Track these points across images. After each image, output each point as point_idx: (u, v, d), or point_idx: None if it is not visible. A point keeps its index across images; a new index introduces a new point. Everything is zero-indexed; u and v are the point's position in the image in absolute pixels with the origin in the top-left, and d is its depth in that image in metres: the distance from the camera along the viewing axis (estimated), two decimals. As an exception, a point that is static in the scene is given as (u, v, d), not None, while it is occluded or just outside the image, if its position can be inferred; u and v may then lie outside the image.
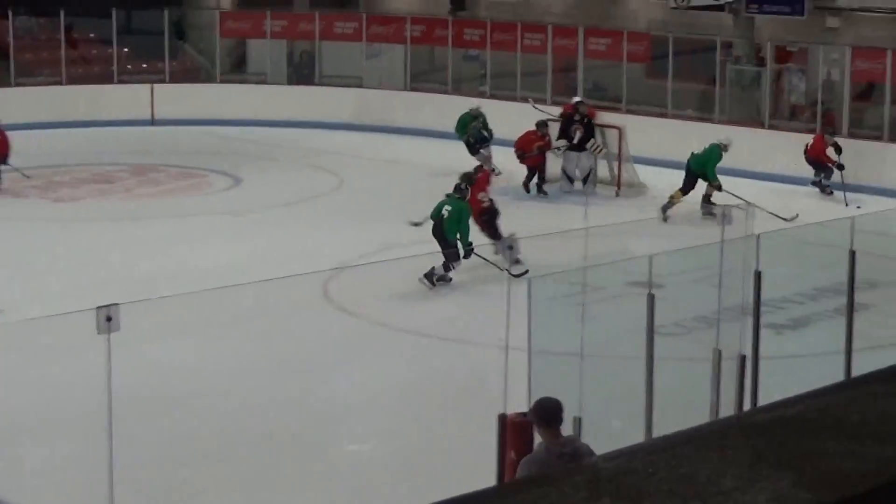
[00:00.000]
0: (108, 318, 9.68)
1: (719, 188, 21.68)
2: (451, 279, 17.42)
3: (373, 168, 26.29)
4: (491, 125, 24.95)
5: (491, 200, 19.09)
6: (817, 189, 24.06)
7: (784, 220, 21.01)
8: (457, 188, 17.96)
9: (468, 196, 17.96)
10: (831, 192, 23.86)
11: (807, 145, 24.11)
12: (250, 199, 23.84)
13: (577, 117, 24.29)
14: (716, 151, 22.23)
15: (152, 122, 30.93)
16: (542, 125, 24.25)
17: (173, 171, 26.24)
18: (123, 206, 23.10)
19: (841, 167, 23.43)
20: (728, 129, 24.85)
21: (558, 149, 24.01)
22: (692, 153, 22.41)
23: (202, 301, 14.86)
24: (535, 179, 24.06)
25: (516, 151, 24.11)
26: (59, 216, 22.35)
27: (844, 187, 23.38)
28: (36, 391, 13.80)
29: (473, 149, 24.32)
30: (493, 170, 22.13)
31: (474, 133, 24.74)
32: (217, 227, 21.17)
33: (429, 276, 17.26)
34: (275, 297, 16.04)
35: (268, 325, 15.93)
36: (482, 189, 19.14)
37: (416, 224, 18.26)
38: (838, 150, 23.70)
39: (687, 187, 21.93)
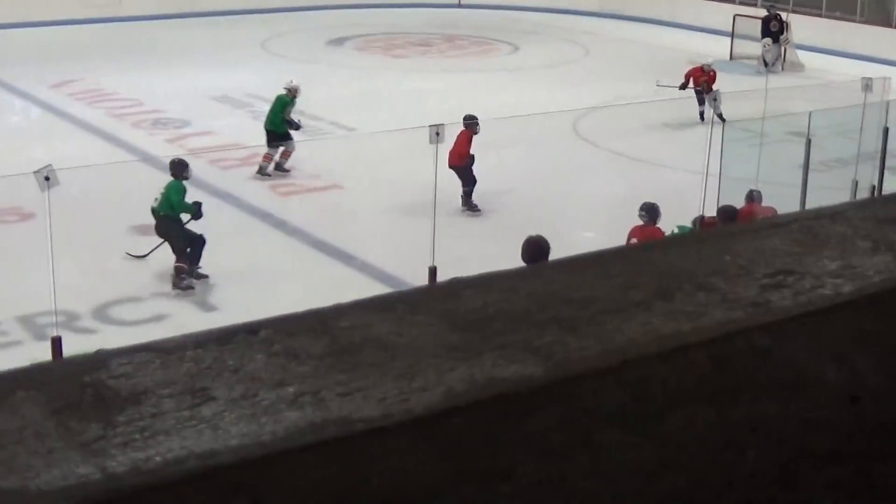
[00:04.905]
0: (437, 133, 9.74)
1: None
2: None
3: (612, 45, 25.21)
4: None
5: None
6: None
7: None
8: None
9: None
10: None
11: None
12: (523, 62, 23.38)
13: (772, 17, 23.19)
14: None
15: (459, 4, 30.46)
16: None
17: (473, 40, 25.87)
18: (437, 63, 22.95)
19: None
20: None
21: (765, 45, 22.75)
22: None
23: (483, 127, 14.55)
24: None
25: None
26: (395, 67, 22.37)
27: None
28: (380, 185, 13.75)
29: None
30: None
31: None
32: (497, 81, 20.78)
33: None
34: (545, 128, 15.68)
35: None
36: None
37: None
38: None
39: None
